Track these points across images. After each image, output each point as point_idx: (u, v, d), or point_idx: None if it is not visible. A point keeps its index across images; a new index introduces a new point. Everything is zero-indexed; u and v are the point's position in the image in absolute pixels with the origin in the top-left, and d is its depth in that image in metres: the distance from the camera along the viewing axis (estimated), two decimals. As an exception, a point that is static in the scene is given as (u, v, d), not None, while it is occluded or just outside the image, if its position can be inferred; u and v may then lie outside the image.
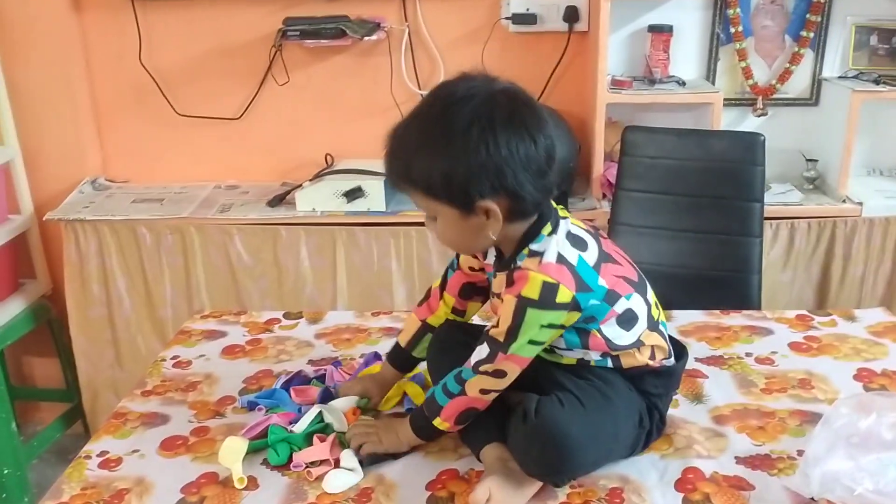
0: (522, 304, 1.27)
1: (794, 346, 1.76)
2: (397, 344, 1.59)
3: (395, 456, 1.41)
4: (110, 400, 2.85)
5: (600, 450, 1.31)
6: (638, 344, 1.37)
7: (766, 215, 2.28)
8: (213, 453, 1.42)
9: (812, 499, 1.27)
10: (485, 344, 1.32)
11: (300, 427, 1.44)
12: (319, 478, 1.35)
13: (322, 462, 1.38)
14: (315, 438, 1.43)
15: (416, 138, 1.29)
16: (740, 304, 2.06)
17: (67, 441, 2.97)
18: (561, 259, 1.29)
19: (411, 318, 1.59)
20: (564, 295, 1.27)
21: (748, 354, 1.73)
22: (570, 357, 1.39)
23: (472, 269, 1.52)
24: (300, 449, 1.41)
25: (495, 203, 1.27)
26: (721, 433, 1.46)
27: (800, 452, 1.37)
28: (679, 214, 2.30)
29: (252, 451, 1.40)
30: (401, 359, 1.58)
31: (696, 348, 1.75)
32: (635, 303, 1.36)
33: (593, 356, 1.37)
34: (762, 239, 2.27)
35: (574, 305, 1.28)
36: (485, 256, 1.45)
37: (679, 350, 1.46)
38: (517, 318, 1.27)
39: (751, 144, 2.26)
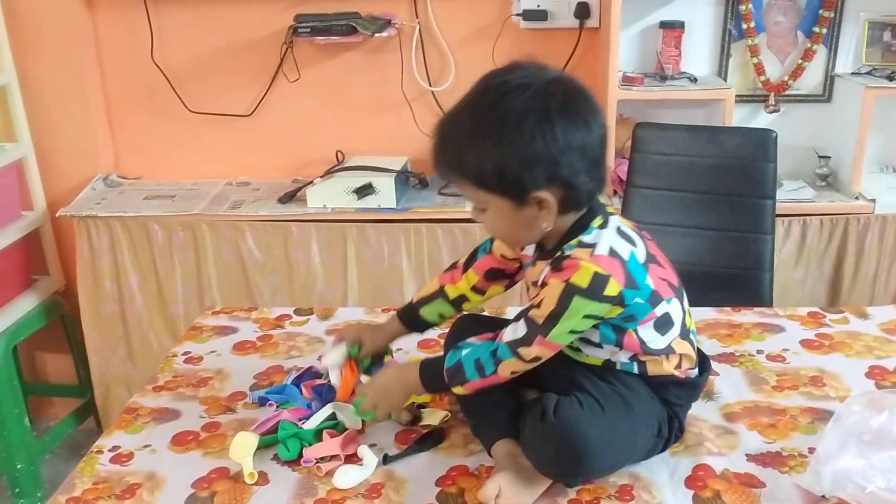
0: (570, 291, 1.25)
1: (805, 343, 1.76)
2: (410, 301, 1.59)
3: (417, 450, 1.41)
4: (122, 395, 2.86)
5: (616, 455, 1.30)
6: (668, 350, 1.36)
7: (778, 212, 2.27)
8: (223, 448, 1.42)
9: (823, 496, 1.26)
10: (521, 322, 1.30)
11: (312, 424, 1.44)
12: (329, 473, 1.35)
13: (332, 458, 1.39)
14: (325, 434, 1.43)
15: (469, 128, 1.27)
16: (752, 301, 2.05)
17: (80, 436, 2.99)
18: (613, 252, 1.28)
19: (433, 282, 1.58)
20: (613, 288, 1.25)
21: (760, 352, 1.72)
22: (597, 357, 1.37)
23: (504, 256, 1.51)
24: (310, 445, 1.41)
25: (549, 194, 1.25)
26: (732, 430, 1.45)
27: (811, 450, 1.37)
28: (690, 211, 2.30)
29: (263, 447, 1.41)
30: (407, 313, 1.58)
31: (708, 345, 1.74)
32: (673, 308, 1.35)
33: (622, 358, 1.36)
34: (774, 236, 2.26)
35: (619, 300, 1.27)
36: (522, 247, 1.45)
37: (703, 362, 1.45)
38: (562, 304, 1.25)
39: (763, 141, 2.25)
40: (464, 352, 1.34)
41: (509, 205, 1.27)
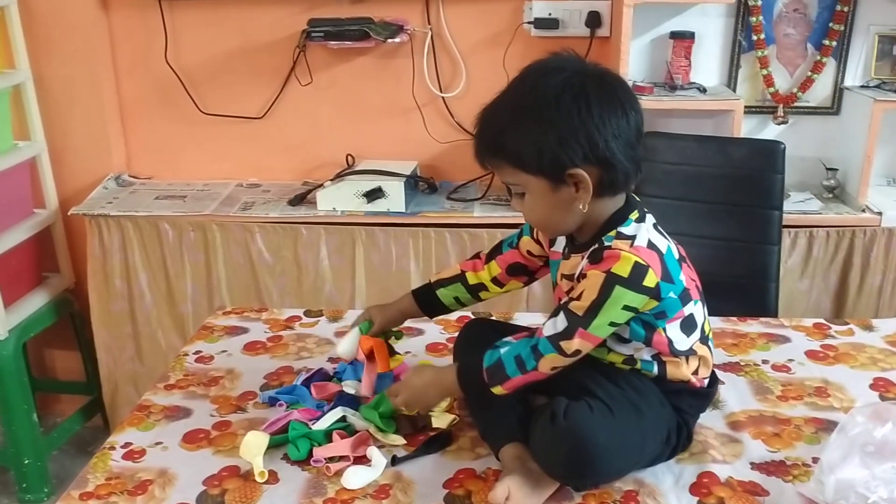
0: (611, 281, 1.27)
1: (810, 354, 1.77)
2: (428, 280, 1.61)
3: (425, 451, 1.43)
4: (130, 394, 2.88)
5: (625, 460, 1.31)
6: (690, 352, 1.38)
7: (784, 223, 2.28)
8: (234, 447, 1.44)
9: (826, 505, 1.28)
10: (561, 316, 1.30)
11: (322, 425, 1.46)
12: (339, 473, 1.37)
13: (341, 458, 1.40)
14: (335, 435, 1.45)
15: (509, 111, 1.30)
16: (757, 312, 2.06)
17: (87, 433, 3.01)
18: (651, 245, 1.30)
19: (454, 266, 1.60)
20: (651, 279, 1.27)
21: (765, 361, 1.74)
22: (620, 352, 1.39)
23: (530, 252, 1.53)
24: (320, 445, 1.43)
25: (586, 172, 1.27)
26: (737, 439, 1.47)
27: (815, 460, 1.38)
28: (698, 221, 2.31)
29: (273, 446, 1.43)
30: (424, 292, 1.60)
31: (713, 354, 1.76)
32: (698, 311, 1.38)
33: (644, 356, 1.38)
34: (780, 247, 2.27)
35: (656, 293, 1.29)
36: (552, 244, 1.46)
37: (712, 373, 1.47)
38: (603, 294, 1.27)
39: (771, 152, 2.26)
40: (503, 350, 1.34)
41: (547, 185, 1.29)
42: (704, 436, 1.47)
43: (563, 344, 1.29)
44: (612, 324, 1.29)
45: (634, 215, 1.34)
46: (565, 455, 1.26)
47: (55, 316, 2.89)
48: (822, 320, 1.93)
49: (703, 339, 1.41)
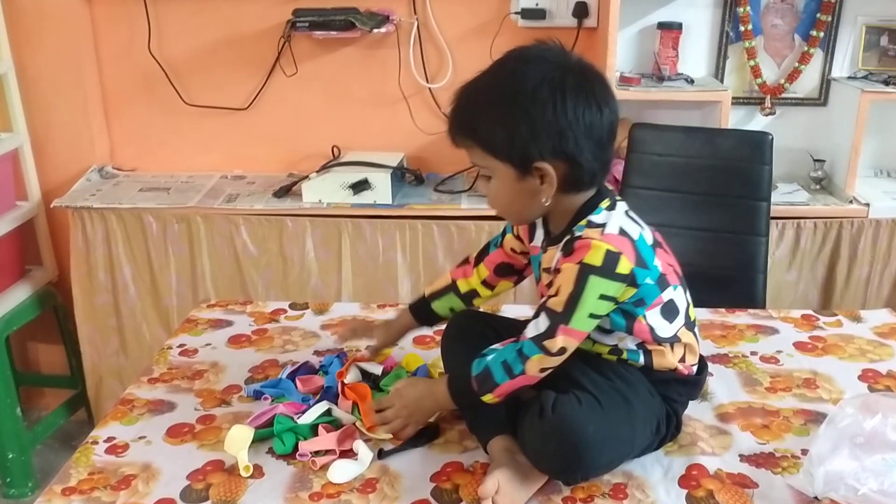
0: (585, 271, 1.26)
1: (799, 345, 1.77)
2: (422, 294, 1.60)
3: (412, 445, 1.42)
4: (114, 387, 2.86)
5: (614, 452, 1.31)
6: (674, 339, 1.37)
7: (772, 215, 2.28)
8: (219, 441, 1.43)
9: (815, 498, 1.27)
10: (542, 316, 1.29)
11: (307, 418, 1.44)
12: (324, 467, 1.36)
13: (327, 452, 1.39)
14: (321, 428, 1.43)
15: (486, 94, 1.30)
16: (745, 303, 2.06)
17: (71, 427, 2.99)
18: (623, 231, 1.30)
19: (445, 276, 1.60)
20: (624, 266, 1.27)
21: (753, 353, 1.73)
22: (605, 343, 1.38)
23: (514, 250, 1.53)
24: (306, 439, 1.41)
25: (552, 167, 1.27)
26: (725, 431, 1.46)
27: (804, 451, 1.38)
28: (685, 212, 2.30)
29: (258, 440, 1.41)
30: (420, 307, 1.60)
31: (702, 346, 1.73)
32: (678, 296, 1.37)
33: (629, 345, 1.37)
34: (768, 238, 2.26)
35: (631, 279, 1.28)
36: (531, 238, 1.45)
37: (700, 361, 1.46)
38: (579, 286, 1.26)
39: (758, 143, 2.26)
40: (489, 357, 1.33)
41: (514, 174, 1.30)
42: (693, 428, 1.46)
43: (546, 343, 1.28)
44: (592, 315, 1.28)
45: (605, 203, 1.33)
46: (554, 449, 1.25)
47: (38, 309, 2.87)
48: (810, 311, 1.93)
49: (689, 326, 1.40)
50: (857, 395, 1.53)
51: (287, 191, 2.75)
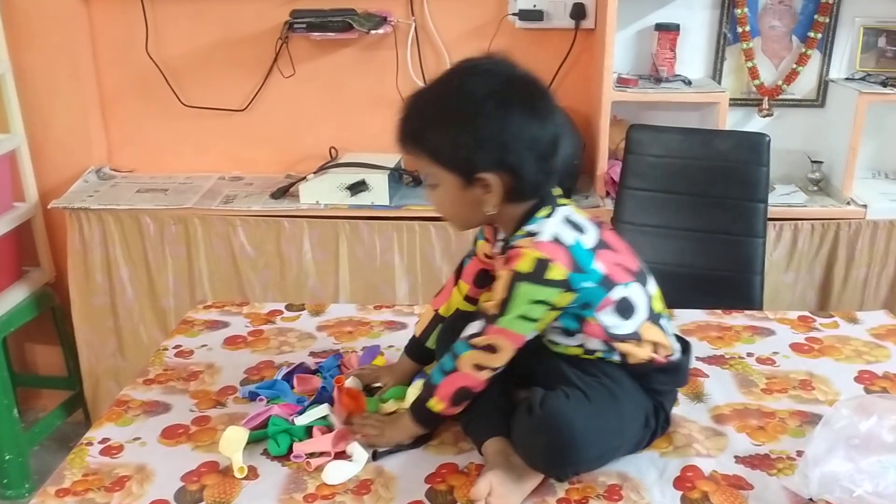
0: (514, 278, 1.30)
1: (795, 346, 1.77)
2: (413, 335, 1.61)
3: (407, 446, 1.41)
4: (111, 388, 2.85)
5: (605, 445, 1.32)
6: (636, 336, 1.37)
7: (769, 216, 2.28)
8: (213, 442, 1.42)
9: (810, 499, 1.27)
10: (479, 319, 1.34)
11: (303, 421, 1.44)
12: (319, 468, 1.35)
13: (322, 453, 1.39)
14: (315, 430, 1.43)
15: (433, 104, 1.34)
16: (742, 305, 2.06)
17: (68, 428, 2.98)
18: (556, 239, 1.32)
19: (427, 310, 1.61)
20: (557, 272, 1.29)
21: (749, 354, 1.73)
22: (571, 345, 1.40)
23: (487, 256, 1.54)
24: (300, 440, 1.41)
25: (496, 178, 1.30)
26: (721, 432, 1.46)
27: (799, 453, 1.38)
28: (683, 214, 2.30)
29: (252, 442, 1.41)
30: (415, 349, 1.61)
31: (698, 347, 1.75)
32: (633, 292, 1.37)
33: (597, 345, 1.38)
34: (765, 240, 2.27)
35: (567, 285, 1.30)
36: (495, 245, 1.47)
37: (683, 345, 1.47)
38: (509, 291, 1.30)
39: (756, 145, 2.26)
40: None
41: (458, 183, 1.33)
42: (689, 429, 1.46)
43: (474, 340, 1.33)
44: (524, 318, 1.31)
45: (543, 212, 1.36)
46: (544, 443, 1.26)
47: (36, 310, 2.87)
48: (806, 313, 1.93)
49: (653, 319, 1.40)
50: (852, 396, 1.52)
51: (284, 192, 2.75)
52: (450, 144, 1.30)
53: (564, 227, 1.34)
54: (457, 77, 1.34)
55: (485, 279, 1.56)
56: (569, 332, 1.39)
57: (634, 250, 1.44)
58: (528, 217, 1.36)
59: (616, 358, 1.38)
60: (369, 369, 1.63)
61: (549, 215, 1.35)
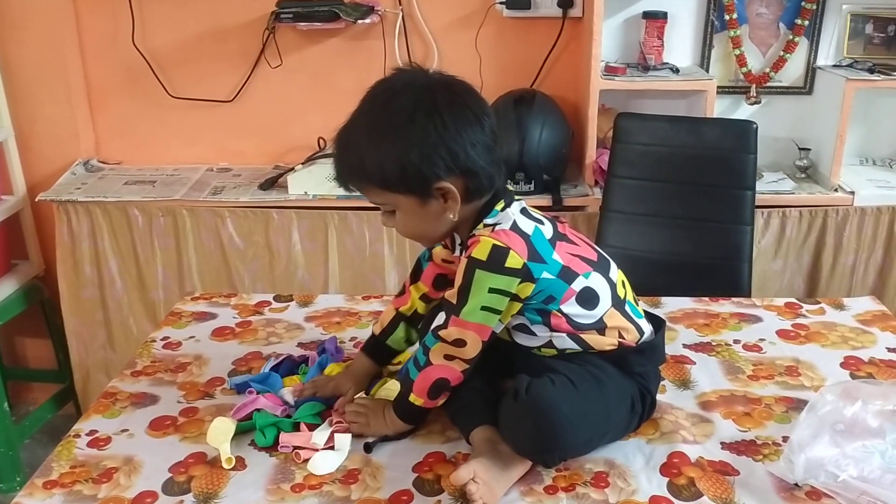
0: (471, 266, 1.31)
1: (782, 333, 1.77)
2: (373, 333, 1.60)
3: (394, 438, 1.41)
4: (102, 381, 2.85)
5: (591, 429, 1.32)
6: (601, 324, 1.38)
7: (757, 203, 2.29)
8: (201, 434, 1.42)
9: (796, 484, 1.28)
10: (444, 309, 1.35)
11: (299, 415, 1.44)
12: (305, 460, 1.35)
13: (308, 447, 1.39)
14: (302, 426, 1.43)
15: (365, 133, 1.32)
16: (730, 292, 2.06)
17: (59, 421, 2.97)
18: (515, 227, 1.33)
19: (388, 308, 1.60)
20: (514, 260, 1.30)
21: (736, 341, 1.74)
22: (539, 345, 1.40)
23: (444, 260, 1.54)
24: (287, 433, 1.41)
25: (452, 183, 1.30)
26: (707, 419, 1.47)
27: (785, 438, 1.38)
28: (671, 202, 2.31)
29: (240, 433, 1.41)
30: (374, 347, 1.59)
31: (685, 335, 1.76)
32: (595, 281, 1.38)
33: (566, 342, 1.38)
34: (753, 227, 2.27)
35: (526, 274, 1.31)
36: (454, 249, 1.46)
37: (656, 323, 1.47)
38: (466, 279, 1.31)
39: (744, 132, 2.26)
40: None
41: (415, 201, 1.33)
42: (675, 416, 1.47)
43: (441, 333, 1.34)
44: (486, 308, 1.31)
45: (500, 205, 1.36)
46: (530, 428, 1.27)
47: (25, 303, 2.86)
48: (793, 300, 1.93)
49: (618, 305, 1.40)
50: (837, 382, 1.53)
51: (273, 183, 2.74)
52: (396, 167, 1.29)
53: (522, 217, 1.36)
54: (379, 99, 1.33)
55: (443, 283, 1.54)
56: (533, 333, 1.39)
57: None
58: (483, 211, 1.36)
59: (578, 348, 1.39)
60: (323, 381, 1.55)
61: (504, 208, 1.36)
